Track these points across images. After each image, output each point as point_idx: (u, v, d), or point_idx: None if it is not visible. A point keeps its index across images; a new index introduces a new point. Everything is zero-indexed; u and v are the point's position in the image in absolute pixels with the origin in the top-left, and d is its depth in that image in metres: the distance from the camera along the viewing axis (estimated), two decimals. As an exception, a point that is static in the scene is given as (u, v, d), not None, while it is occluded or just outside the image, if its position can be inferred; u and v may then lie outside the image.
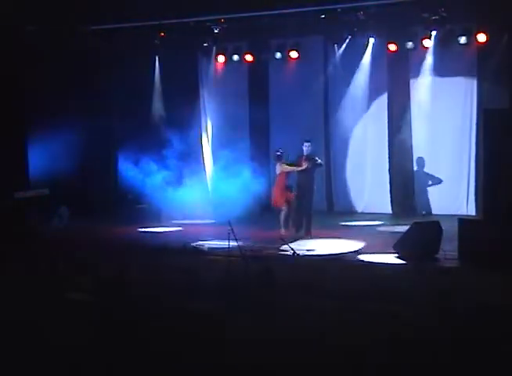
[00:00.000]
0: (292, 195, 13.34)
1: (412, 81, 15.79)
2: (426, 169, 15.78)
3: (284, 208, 13.31)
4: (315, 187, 13.52)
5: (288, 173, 13.39)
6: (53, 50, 15.44)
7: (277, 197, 13.41)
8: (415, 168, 15.90)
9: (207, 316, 7.01)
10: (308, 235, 13.18)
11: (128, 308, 7.41)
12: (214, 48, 16.61)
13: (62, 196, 14.97)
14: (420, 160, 15.82)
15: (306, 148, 13.30)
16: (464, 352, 5.82)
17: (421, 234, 11.04)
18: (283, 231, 13.18)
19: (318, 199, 16.61)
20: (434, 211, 15.35)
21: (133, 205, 16.15)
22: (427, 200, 15.79)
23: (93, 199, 16.09)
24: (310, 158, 13.25)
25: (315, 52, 16.44)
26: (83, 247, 11.93)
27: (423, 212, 15.49)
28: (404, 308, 7.27)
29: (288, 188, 13.40)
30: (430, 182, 15.78)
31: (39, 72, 15.40)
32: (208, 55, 16.92)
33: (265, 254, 11.40)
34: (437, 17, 14.28)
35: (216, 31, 15.95)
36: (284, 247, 11.48)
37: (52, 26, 15.29)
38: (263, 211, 15.45)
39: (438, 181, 15.65)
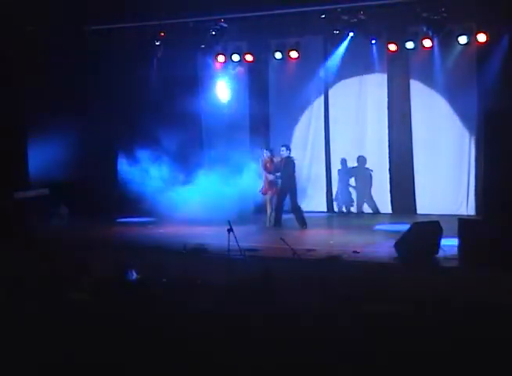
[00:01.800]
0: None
1: (412, 81, 15.80)
2: (426, 169, 15.78)
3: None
4: (295, 184, 14.62)
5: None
6: (53, 50, 15.43)
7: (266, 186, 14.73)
8: (415, 168, 15.90)
9: (207, 316, 7.01)
10: (304, 226, 14.42)
11: (128, 308, 7.41)
12: (214, 48, 16.60)
13: (62, 196, 14.98)
14: (421, 160, 15.83)
15: (282, 152, 14.49)
16: (464, 352, 5.82)
17: (421, 234, 11.04)
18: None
19: (318, 199, 16.71)
20: (434, 211, 15.35)
21: (133, 205, 16.15)
22: (427, 200, 15.79)
23: (93, 199, 16.09)
24: (287, 161, 14.40)
25: (315, 52, 16.43)
26: (83, 247, 11.93)
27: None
28: (404, 308, 7.26)
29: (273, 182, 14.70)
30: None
31: (39, 72, 15.40)
32: (208, 55, 16.92)
33: (264, 254, 11.40)
34: (437, 17, 14.27)
35: (216, 31, 15.94)
36: (284, 247, 11.46)
37: (52, 26, 15.28)
38: (262, 210, 15.45)
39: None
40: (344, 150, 16.57)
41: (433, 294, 7.91)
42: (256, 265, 9.61)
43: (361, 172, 16.40)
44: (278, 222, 14.53)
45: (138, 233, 14.29)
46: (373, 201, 16.37)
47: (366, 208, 16.46)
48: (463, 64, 15.15)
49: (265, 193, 14.77)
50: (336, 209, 16.75)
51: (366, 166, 16.34)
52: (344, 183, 16.58)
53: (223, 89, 17.18)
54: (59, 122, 15.52)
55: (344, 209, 16.63)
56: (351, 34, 15.41)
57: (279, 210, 14.61)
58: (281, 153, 14.54)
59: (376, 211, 16.31)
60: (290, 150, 14.60)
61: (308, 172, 16.68)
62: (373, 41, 15.56)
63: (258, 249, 11.66)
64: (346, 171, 16.52)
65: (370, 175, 16.34)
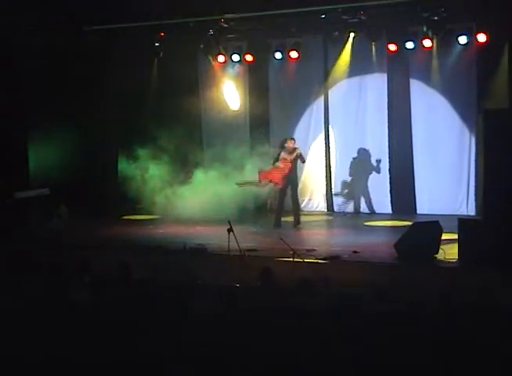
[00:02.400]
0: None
1: (412, 81, 15.79)
2: (426, 169, 15.78)
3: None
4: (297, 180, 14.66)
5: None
6: (53, 50, 15.43)
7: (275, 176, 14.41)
8: (415, 168, 15.90)
9: (207, 315, 7.01)
10: (298, 224, 14.35)
11: (128, 308, 7.41)
12: (214, 48, 16.59)
13: (62, 196, 14.98)
14: (421, 160, 15.83)
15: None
16: (464, 353, 5.82)
17: (421, 234, 11.05)
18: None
19: (318, 199, 16.71)
20: (434, 211, 15.36)
21: (133, 205, 16.17)
22: (427, 200, 15.79)
23: (93, 199, 16.10)
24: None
25: (315, 52, 16.42)
26: (83, 246, 11.94)
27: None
28: (404, 308, 7.26)
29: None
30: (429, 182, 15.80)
31: (39, 72, 15.40)
32: (208, 55, 16.92)
33: (264, 254, 11.40)
34: (437, 17, 14.26)
35: (216, 31, 15.94)
36: (284, 247, 11.46)
37: (53, 26, 15.28)
38: (262, 210, 15.49)
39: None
40: (343, 150, 16.56)
41: (433, 294, 7.91)
42: (256, 264, 9.60)
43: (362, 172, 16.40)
44: (278, 223, 14.41)
45: (138, 232, 14.29)
46: (377, 201, 16.34)
47: (366, 208, 16.44)
48: (463, 64, 15.14)
49: (278, 184, 14.51)
50: (336, 209, 16.75)
51: (367, 166, 16.32)
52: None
53: (223, 89, 17.18)
54: (59, 122, 15.54)
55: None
56: (351, 34, 15.41)
57: (280, 211, 14.48)
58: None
59: (375, 211, 16.29)
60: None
61: (308, 172, 16.67)
62: (373, 41, 15.55)
63: (258, 249, 11.66)
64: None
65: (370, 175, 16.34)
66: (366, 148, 16.20)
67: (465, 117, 15.38)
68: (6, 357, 6.05)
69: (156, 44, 16.42)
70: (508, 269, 9.47)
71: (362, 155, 16.20)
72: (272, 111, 17.18)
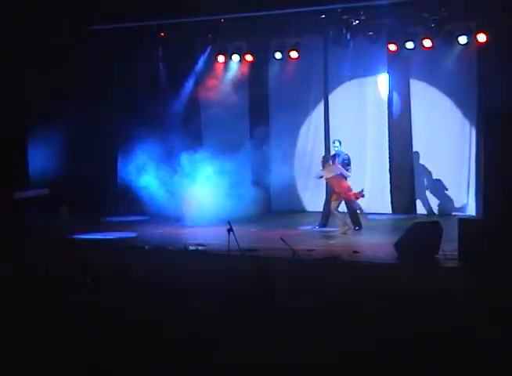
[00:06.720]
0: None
1: (412, 81, 15.80)
2: (426, 169, 15.79)
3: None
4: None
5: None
6: (53, 50, 15.44)
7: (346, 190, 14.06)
8: (415, 168, 15.91)
9: (207, 316, 7.02)
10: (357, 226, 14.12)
11: (128, 307, 7.42)
12: (215, 48, 16.59)
13: (62, 196, 14.99)
14: (421, 160, 15.84)
15: (336, 147, 14.50)
16: (464, 352, 5.83)
17: (421, 234, 11.05)
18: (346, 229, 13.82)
19: (318, 199, 16.71)
20: (434, 211, 15.36)
21: (133, 205, 16.16)
22: (427, 200, 15.80)
23: (93, 199, 16.10)
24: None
25: (315, 52, 16.41)
26: (83, 246, 11.94)
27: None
28: (404, 308, 7.27)
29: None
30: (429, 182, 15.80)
31: (39, 72, 15.41)
32: (208, 55, 16.92)
33: (264, 254, 11.39)
34: (437, 17, 14.26)
35: (216, 31, 15.93)
36: (284, 247, 11.46)
37: (52, 26, 15.29)
38: (262, 210, 15.49)
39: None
40: (344, 150, 16.55)
41: (433, 294, 7.92)
42: (255, 265, 9.60)
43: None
44: (359, 222, 14.18)
45: (138, 232, 14.29)
46: (377, 201, 16.34)
47: (367, 208, 16.43)
48: (463, 64, 15.14)
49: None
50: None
51: (370, 165, 16.31)
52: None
53: (223, 89, 17.18)
54: (59, 122, 15.55)
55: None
56: (351, 34, 15.40)
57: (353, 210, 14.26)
58: (334, 148, 14.54)
59: (376, 211, 16.28)
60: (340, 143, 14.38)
61: (309, 172, 16.67)
62: (373, 42, 15.52)
63: (258, 249, 11.66)
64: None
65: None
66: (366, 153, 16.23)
67: (465, 117, 15.37)
68: (7, 357, 6.06)
69: (157, 43, 16.42)
70: (508, 269, 9.47)
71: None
72: (272, 111, 17.18)
